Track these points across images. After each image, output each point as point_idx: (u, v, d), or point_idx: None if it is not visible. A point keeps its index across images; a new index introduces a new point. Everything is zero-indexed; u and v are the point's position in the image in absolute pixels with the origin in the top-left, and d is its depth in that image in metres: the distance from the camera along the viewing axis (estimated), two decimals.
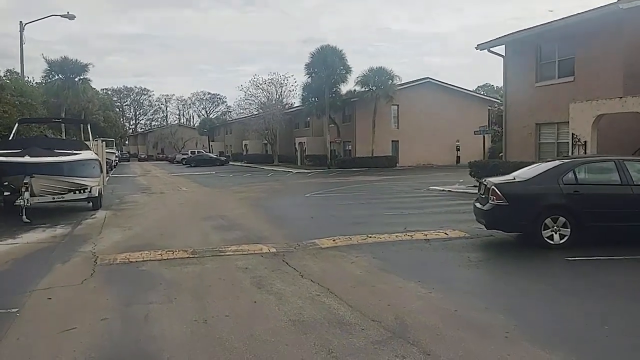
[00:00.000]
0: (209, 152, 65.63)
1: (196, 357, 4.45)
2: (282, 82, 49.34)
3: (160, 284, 6.85)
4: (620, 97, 13.70)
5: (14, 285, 6.84)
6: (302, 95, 44.12)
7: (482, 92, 57.24)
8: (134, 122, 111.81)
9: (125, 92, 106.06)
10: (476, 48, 20.26)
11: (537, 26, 17.72)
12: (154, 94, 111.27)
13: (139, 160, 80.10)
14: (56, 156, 13.28)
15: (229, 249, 8.96)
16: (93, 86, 47.57)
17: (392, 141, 41.65)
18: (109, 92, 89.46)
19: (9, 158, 12.22)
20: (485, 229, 9.32)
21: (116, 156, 53.74)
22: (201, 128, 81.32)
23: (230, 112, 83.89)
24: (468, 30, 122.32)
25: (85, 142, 17.92)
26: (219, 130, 79.04)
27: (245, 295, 6.26)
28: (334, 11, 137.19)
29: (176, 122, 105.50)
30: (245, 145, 61.82)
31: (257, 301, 5.96)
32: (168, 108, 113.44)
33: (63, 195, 13.84)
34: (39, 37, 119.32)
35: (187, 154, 60.95)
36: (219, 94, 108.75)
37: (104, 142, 27.22)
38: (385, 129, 40.98)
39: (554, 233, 8.23)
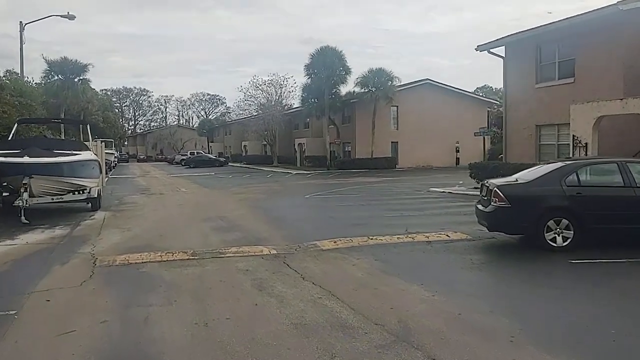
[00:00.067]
0: (208, 153, 65.61)
1: None
2: (282, 83, 49.45)
3: (160, 285, 6.78)
4: (621, 99, 13.67)
5: (12, 287, 6.78)
6: (302, 96, 44.14)
7: (481, 94, 57.27)
8: (133, 122, 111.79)
9: (124, 92, 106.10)
10: (476, 49, 20.25)
11: (537, 27, 17.70)
12: (153, 95, 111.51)
13: (138, 161, 79.96)
14: (55, 157, 13.21)
15: (229, 250, 8.90)
16: (92, 87, 47.60)
17: (392, 142, 41.64)
18: (109, 93, 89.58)
19: (7, 158, 12.15)
20: (487, 231, 9.27)
21: (115, 157, 53.67)
22: (200, 129, 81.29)
23: (229, 113, 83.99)
24: (467, 32, 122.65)
25: (85, 142, 17.85)
26: (218, 131, 79.00)
27: (246, 297, 6.19)
28: (333, 12, 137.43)
29: (175, 123, 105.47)
30: (245, 146, 61.77)
31: (258, 304, 5.90)
32: (167, 109, 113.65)
33: (62, 196, 13.79)
34: (38, 37, 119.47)
35: (186, 154, 60.89)
36: (218, 95, 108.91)
37: (103, 143, 27.15)
38: (385, 130, 40.96)
39: (556, 235, 8.17)
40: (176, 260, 8.20)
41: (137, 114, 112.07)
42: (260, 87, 49.89)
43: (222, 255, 8.54)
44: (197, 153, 61.56)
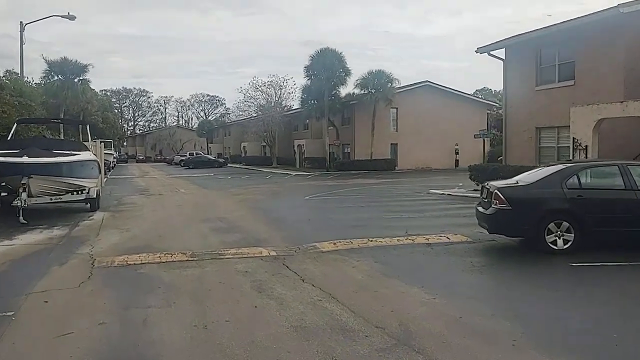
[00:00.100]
0: (208, 154, 65.56)
1: None
2: (282, 84, 49.42)
3: (159, 287, 6.74)
4: (622, 102, 13.64)
5: (10, 288, 6.73)
6: (302, 97, 44.13)
7: (480, 96, 57.26)
8: (132, 123, 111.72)
9: (124, 93, 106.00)
10: (476, 51, 20.21)
11: (537, 30, 17.69)
12: (152, 96, 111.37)
13: (137, 162, 79.84)
14: (54, 157, 13.16)
15: (229, 252, 8.85)
16: (92, 87, 47.51)
17: (391, 144, 41.63)
18: (108, 93, 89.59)
19: (6, 158, 12.10)
20: (488, 233, 9.25)
21: (114, 157, 53.60)
22: (200, 130, 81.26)
23: (229, 114, 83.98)
24: (466, 34, 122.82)
25: (84, 143, 17.80)
26: (218, 132, 78.97)
27: (245, 299, 6.15)
28: (333, 14, 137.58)
29: (175, 123, 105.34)
30: (244, 147, 61.75)
31: (258, 306, 5.86)
32: (167, 109, 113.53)
33: (61, 196, 13.73)
34: (38, 38, 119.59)
35: (186, 155, 60.83)
36: (217, 96, 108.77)
37: (102, 143, 27.09)
38: (384, 132, 40.96)
39: (557, 238, 8.14)
40: (175, 262, 8.16)
41: (136, 114, 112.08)
42: (260, 89, 49.93)
43: (222, 257, 8.49)
44: (197, 154, 61.50)
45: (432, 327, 5.05)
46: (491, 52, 19.73)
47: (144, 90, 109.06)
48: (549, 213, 8.22)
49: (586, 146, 14.22)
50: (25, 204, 11.98)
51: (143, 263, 8.08)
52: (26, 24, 26.46)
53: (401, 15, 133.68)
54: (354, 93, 41.75)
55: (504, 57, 19.74)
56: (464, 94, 45.29)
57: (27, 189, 12.05)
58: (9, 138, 15.62)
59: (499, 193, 8.44)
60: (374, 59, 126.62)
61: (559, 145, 17.29)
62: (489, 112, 44.59)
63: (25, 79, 29.81)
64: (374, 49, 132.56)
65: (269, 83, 49.52)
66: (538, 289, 6.61)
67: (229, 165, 57.29)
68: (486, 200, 9.00)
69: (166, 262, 8.15)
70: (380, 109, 39.57)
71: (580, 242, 8.12)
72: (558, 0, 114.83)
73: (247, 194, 21.72)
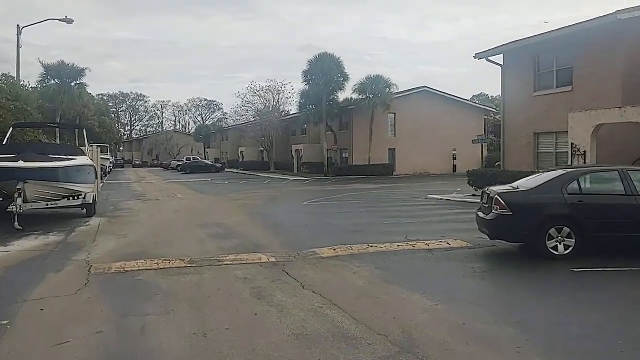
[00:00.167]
0: (205, 159, 65.42)
1: None
2: (280, 89, 49.39)
3: (157, 294, 6.65)
4: (620, 107, 13.67)
5: (6, 295, 6.62)
6: (300, 102, 44.08)
7: (477, 102, 57.40)
8: (129, 128, 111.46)
9: (121, 97, 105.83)
10: (474, 57, 20.30)
11: (535, 36, 17.76)
12: (150, 100, 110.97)
13: (133, 167, 79.59)
14: (51, 162, 13.06)
15: (227, 258, 8.77)
16: (89, 91, 47.42)
17: (389, 149, 41.62)
18: (105, 98, 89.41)
19: (2, 163, 11.98)
20: (488, 239, 9.20)
21: (111, 162, 53.44)
22: (197, 135, 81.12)
23: (226, 119, 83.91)
24: (463, 41, 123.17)
25: (81, 147, 17.70)
26: (215, 137, 78.86)
27: (245, 306, 6.07)
28: (331, 20, 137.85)
29: (172, 128, 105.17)
30: (242, 152, 61.65)
31: (258, 313, 5.77)
32: (164, 114, 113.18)
33: (57, 202, 13.60)
34: (35, 42, 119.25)
35: (183, 160, 60.70)
36: (215, 101, 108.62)
37: (99, 148, 26.98)
38: (383, 137, 40.95)
39: (558, 244, 8.10)
40: (173, 268, 8.07)
41: (133, 119, 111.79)
42: (258, 93, 49.92)
43: (220, 263, 8.41)
44: (194, 159, 61.42)
45: (435, 334, 4.99)
46: (489, 58, 19.81)
47: (141, 94, 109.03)
48: (550, 218, 8.18)
49: (585, 152, 14.22)
50: (20, 209, 11.86)
51: (140, 270, 7.99)
52: (23, 28, 26.40)
53: (398, 21, 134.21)
54: (352, 98, 41.78)
55: (502, 63, 19.82)
56: (461, 100, 45.37)
57: (22, 195, 11.93)
58: (4, 142, 15.50)
59: (499, 198, 8.40)
60: (371, 64, 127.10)
61: (557, 151, 17.31)
62: (486, 117, 44.66)
63: (22, 83, 29.66)
64: (372, 54, 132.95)
65: (267, 88, 49.57)
66: (540, 294, 6.56)
67: (226, 170, 57.14)
68: (486, 205, 8.96)
69: (164, 268, 8.06)
70: (378, 114, 39.58)
71: (581, 247, 8.08)
72: (555, 8, 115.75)
73: (245, 199, 21.63)
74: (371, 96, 39.24)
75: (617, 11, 14.42)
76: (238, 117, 56.50)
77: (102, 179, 28.70)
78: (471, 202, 16.88)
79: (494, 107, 48.55)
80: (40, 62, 41.83)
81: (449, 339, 4.85)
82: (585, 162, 13.99)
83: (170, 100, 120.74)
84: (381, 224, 13.01)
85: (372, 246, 9.53)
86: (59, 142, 27.13)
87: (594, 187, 8.65)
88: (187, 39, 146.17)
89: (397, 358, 4.43)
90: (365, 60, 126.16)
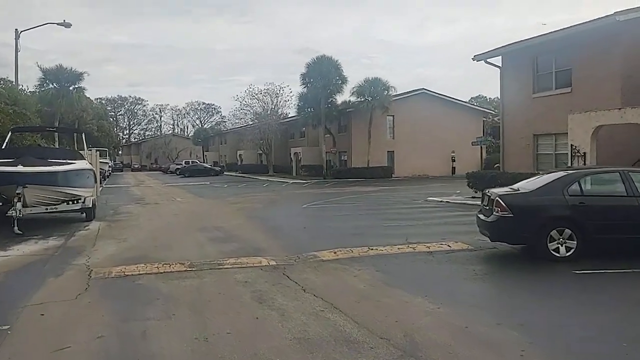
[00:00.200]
0: (203, 162, 65.41)
1: None
2: (278, 92, 49.45)
3: (158, 298, 6.61)
4: (620, 109, 13.67)
5: (6, 300, 6.58)
6: (298, 105, 44.10)
7: (475, 104, 57.49)
8: (127, 131, 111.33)
9: (119, 101, 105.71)
10: (473, 59, 20.31)
11: (534, 37, 17.78)
12: (148, 104, 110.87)
13: (132, 171, 79.58)
14: (50, 166, 13.02)
15: (227, 261, 8.73)
16: (87, 95, 47.39)
17: (388, 152, 41.64)
18: (103, 102, 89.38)
19: (1, 167, 11.94)
20: (489, 241, 9.18)
21: (109, 166, 53.37)
22: (195, 138, 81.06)
23: (224, 122, 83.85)
24: (461, 43, 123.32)
25: (80, 151, 17.67)
26: (214, 140, 78.82)
27: (246, 310, 6.04)
28: (328, 22, 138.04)
29: (170, 132, 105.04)
30: (240, 155, 61.64)
31: (259, 317, 5.74)
32: (162, 118, 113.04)
33: (56, 206, 13.57)
34: (33, 46, 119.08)
35: (181, 164, 60.70)
36: (213, 104, 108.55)
37: (97, 152, 26.95)
38: (381, 140, 40.97)
39: (559, 245, 8.08)
40: (173, 272, 8.03)
41: (131, 122, 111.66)
42: (256, 96, 49.96)
43: (220, 267, 8.37)
44: (192, 162, 61.41)
45: (438, 338, 4.96)
46: (488, 60, 19.83)
47: (139, 98, 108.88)
48: (551, 220, 8.16)
49: (584, 153, 14.22)
50: (20, 214, 11.82)
51: (141, 274, 7.95)
52: (21, 32, 26.39)
53: (395, 23, 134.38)
54: (350, 101, 41.80)
55: (500, 65, 19.84)
56: (459, 102, 45.43)
57: (22, 199, 11.89)
58: (3, 147, 15.45)
59: (500, 200, 8.38)
60: (369, 67, 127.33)
61: (556, 152, 17.32)
62: (484, 119, 44.74)
63: (20, 87, 29.62)
64: (370, 57, 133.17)
65: (265, 91, 49.65)
66: (542, 297, 6.54)
67: (225, 173, 57.14)
68: (487, 207, 8.94)
69: (164, 272, 8.02)
70: (376, 117, 39.61)
71: (582, 249, 8.06)
72: (553, 10, 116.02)
73: (244, 202, 21.60)
74: (369, 99, 39.27)
75: (615, 12, 14.45)
76: (236, 120, 56.55)
77: (101, 183, 28.64)
78: (471, 204, 16.88)
79: (492, 109, 48.62)
80: (38, 66, 41.82)
81: (452, 343, 4.83)
82: (585, 164, 13.99)
83: (168, 104, 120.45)
84: (381, 227, 12.98)
85: (372, 249, 9.51)
86: (57, 146, 27.10)
87: (595, 188, 8.64)
88: (185, 42, 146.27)
89: None
90: (363, 62, 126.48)
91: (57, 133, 30.98)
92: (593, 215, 8.11)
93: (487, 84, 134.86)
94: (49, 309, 6.16)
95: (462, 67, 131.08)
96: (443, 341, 4.87)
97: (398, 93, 41.45)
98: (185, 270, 8.12)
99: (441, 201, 19.33)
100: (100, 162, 32.21)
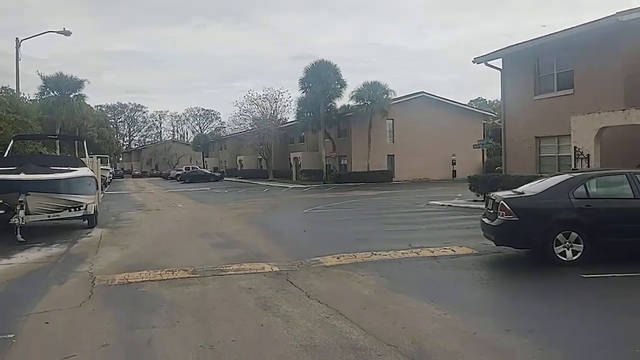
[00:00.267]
0: (204, 168, 65.36)
1: None
2: (277, 97, 49.41)
3: (162, 306, 6.56)
4: (623, 110, 13.64)
5: (10, 309, 6.53)
6: (297, 110, 44.07)
7: (475, 106, 57.47)
8: (127, 138, 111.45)
9: (119, 108, 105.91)
10: (473, 61, 20.27)
11: (535, 39, 17.74)
12: (148, 111, 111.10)
13: (132, 177, 79.58)
14: (52, 173, 12.98)
15: (230, 268, 8.68)
16: (88, 103, 47.44)
17: (388, 155, 41.56)
18: (104, 109, 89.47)
19: (3, 175, 11.91)
20: (494, 245, 9.09)
21: (110, 173, 53.36)
22: (195, 144, 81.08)
23: (224, 127, 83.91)
24: (460, 47, 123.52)
25: (81, 158, 17.64)
26: (213, 146, 78.82)
27: (251, 317, 5.98)
28: (326, 28, 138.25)
29: (170, 138, 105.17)
30: (240, 160, 61.59)
31: (264, 324, 5.69)
32: (162, 124, 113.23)
33: (59, 213, 13.54)
34: (34, 55, 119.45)
35: (182, 170, 60.64)
36: (212, 110, 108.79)
37: (99, 159, 26.92)
38: (381, 144, 40.90)
39: (566, 249, 8.00)
40: (177, 279, 7.98)
41: (131, 129, 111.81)
42: (255, 102, 49.93)
43: (224, 273, 8.32)
44: (192, 168, 61.31)
45: (446, 345, 4.90)
46: (488, 62, 19.79)
47: (139, 105, 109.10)
48: (557, 224, 8.08)
49: (588, 155, 14.18)
50: (23, 221, 11.79)
51: (144, 281, 7.90)
52: (22, 40, 26.45)
53: (393, 28, 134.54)
54: (349, 105, 41.76)
55: (501, 67, 19.81)
56: (459, 105, 45.40)
57: (24, 207, 11.86)
58: (5, 155, 15.43)
59: (505, 204, 8.32)
60: (367, 71, 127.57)
61: (559, 155, 17.26)
62: (485, 122, 44.68)
63: (21, 95, 29.66)
64: (368, 61, 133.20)
65: (264, 96, 49.61)
66: (551, 301, 6.47)
67: (225, 179, 57.07)
68: (492, 211, 8.87)
69: (167, 279, 7.97)
70: (376, 121, 39.57)
71: (589, 252, 7.98)
72: (552, 13, 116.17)
73: (245, 207, 21.55)
74: (369, 102, 39.25)
75: (617, 13, 14.41)
76: (236, 126, 56.54)
77: (102, 190, 28.61)
78: (473, 208, 16.83)
79: (493, 112, 48.62)
80: (39, 74, 41.91)
81: (461, 349, 4.76)
82: (589, 166, 13.95)
83: (168, 110, 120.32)
84: (383, 231, 12.93)
85: (375, 254, 9.44)
86: (59, 154, 27.07)
87: (601, 191, 8.57)
88: (184, 49, 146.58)
89: None
90: (361, 67, 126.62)
91: (58, 140, 30.97)
92: (600, 218, 8.02)
93: (487, 86, 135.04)
94: (53, 317, 6.11)
95: (461, 71, 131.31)
96: (452, 348, 4.81)
97: (397, 97, 41.43)
98: (188, 277, 8.07)
99: (443, 205, 19.26)
100: (101, 169, 32.15)
